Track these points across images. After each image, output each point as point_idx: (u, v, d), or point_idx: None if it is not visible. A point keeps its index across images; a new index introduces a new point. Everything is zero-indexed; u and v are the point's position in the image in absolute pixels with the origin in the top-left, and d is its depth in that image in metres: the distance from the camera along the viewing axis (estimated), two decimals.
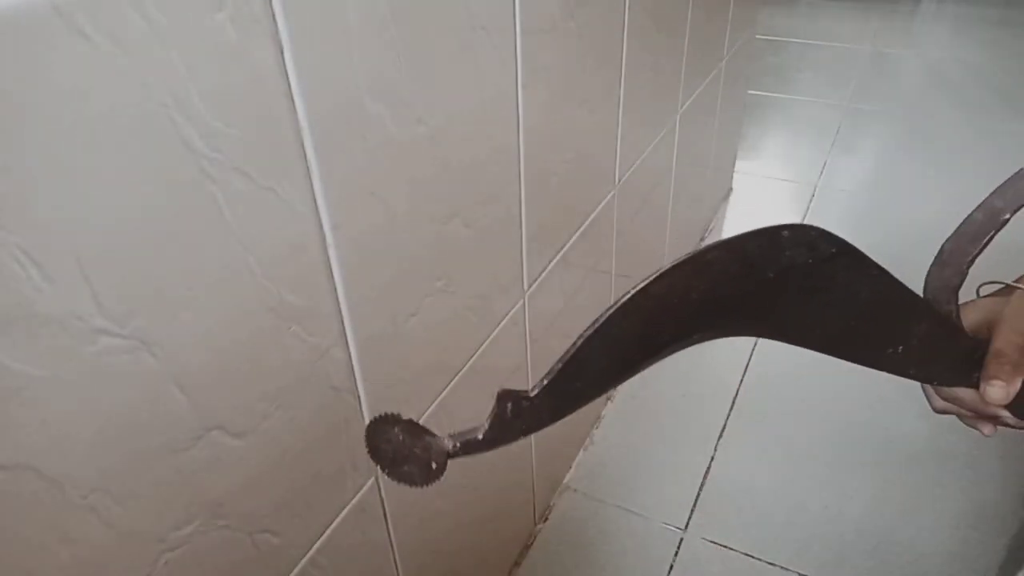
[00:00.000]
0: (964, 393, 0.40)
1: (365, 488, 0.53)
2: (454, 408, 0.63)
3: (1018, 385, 0.37)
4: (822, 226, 0.38)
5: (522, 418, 0.38)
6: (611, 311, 0.36)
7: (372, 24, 0.41)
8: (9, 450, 0.28)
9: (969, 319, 0.42)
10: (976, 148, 1.94)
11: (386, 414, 0.38)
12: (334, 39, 0.39)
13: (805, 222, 0.36)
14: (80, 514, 0.32)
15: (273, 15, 0.35)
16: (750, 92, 2.11)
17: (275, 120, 0.37)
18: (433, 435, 0.38)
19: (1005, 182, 0.43)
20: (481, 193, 0.59)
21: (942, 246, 0.44)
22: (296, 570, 0.47)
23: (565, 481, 1.03)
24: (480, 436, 0.38)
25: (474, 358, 0.65)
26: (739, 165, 1.79)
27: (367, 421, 0.36)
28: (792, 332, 0.42)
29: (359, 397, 0.49)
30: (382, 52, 0.43)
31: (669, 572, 0.92)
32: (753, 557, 0.93)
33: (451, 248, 0.56)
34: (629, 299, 0.36)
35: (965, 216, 0.43)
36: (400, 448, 0.39)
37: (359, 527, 0.53)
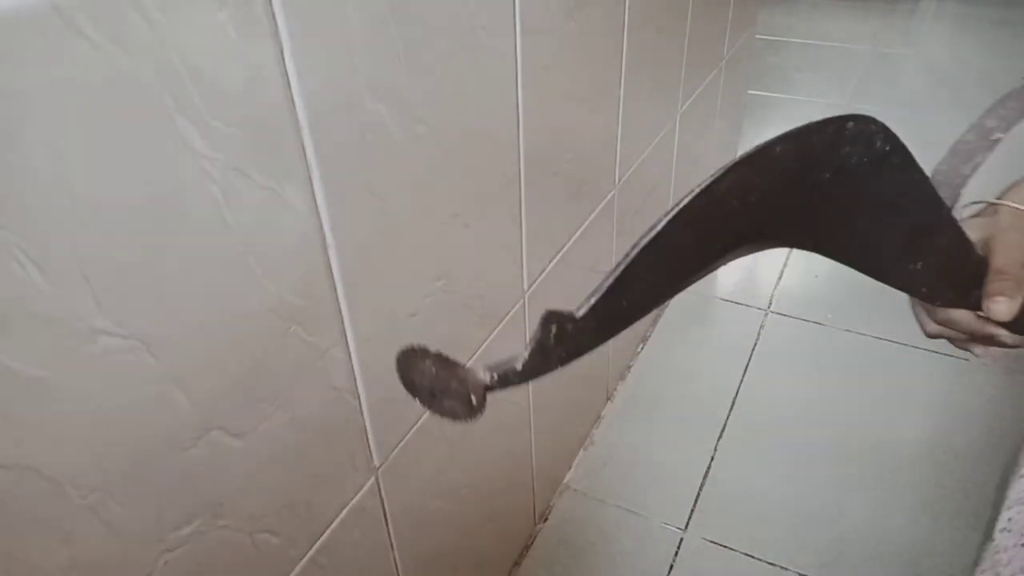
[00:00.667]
0: (960, 315, 0.40)
1: (365, 488, 0.53)
2: None
3: (1019, 301, 0.37)
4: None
5: (565, 343, 0.36)
6: (670, 216, 0.34)
7: (372, 24, 0.41)
8: (10, 450, 0.28)
9: None
10: None
11: (414, 346, 0.36)
12: (334, 39, 0.39)
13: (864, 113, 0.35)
14: (80, 514, 0.32)
15: (273, 15, 0.35)
16: (750, 92, 2.11)
17: (275, 120, 0.37)
18: (466, 367, 0.36)
19: (996, 102, 0.42)
20: (481, 193, 0.59)
21: (935, 167, 0.43)
22: (296, 570, 0.47)
23: (565, 481, 1.03)
24: (519, 366, 0.36)
25: (474, 358, 0.65)
26: None
27: (397, 353, 0.34)
28: (833, 243, 0.41)
29: (359, 397, 0.49)
30: (382, 52, 0.43)
31: (669, 572, 0.92)
32: (753, 557, 0.93)
33: (451, 248, 0.56)
34: (690, 201, 0.34)
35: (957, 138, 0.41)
36: (436, 382, 0.36)
37: (359, 527, 0.53)
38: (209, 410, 0.37)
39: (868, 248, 0.40)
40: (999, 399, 1.15)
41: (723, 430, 1.12)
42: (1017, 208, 0.39)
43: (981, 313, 0.38)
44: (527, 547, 0.94)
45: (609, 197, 0.91)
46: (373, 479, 0.53)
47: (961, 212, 0.42)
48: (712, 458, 1.07)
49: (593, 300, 0.35)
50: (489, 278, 0.64)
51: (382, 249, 0.48)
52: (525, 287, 0.72)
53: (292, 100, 0.37)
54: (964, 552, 0.93)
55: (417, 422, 0.58)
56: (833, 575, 0.91)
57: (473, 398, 0.36)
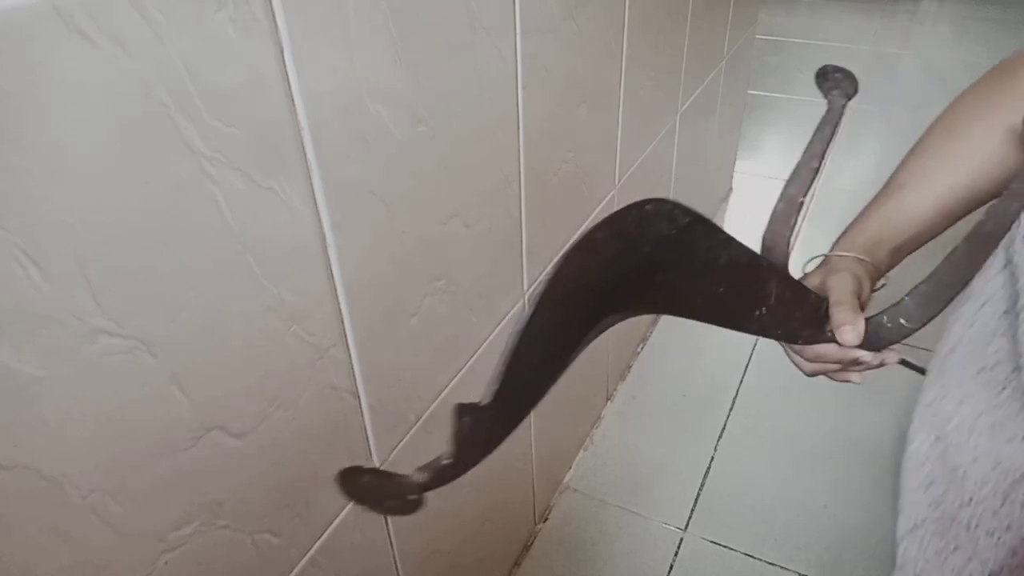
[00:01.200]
0: (824, 348, 0.45)
1: None
2: None
3: (863, 324, 0.42)
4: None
5: (482, 431, 0.39)
6: (533, 307, 0.38)
7: (372, 24, 0.41)
8: (9, 450, 0.28)
9: (808, 284, 0.48)
10: None
11: (348, 468, 0.39)
12: (334, 39, 0.39)
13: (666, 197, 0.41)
14: (80, 514, 0.32)
15: (273, 15, 0.35)
16: (750, 92, 2.11)
17: (275, 120, 0.37)
18: (401, 475, 0.39)
19: (794, 170, 0.50)
20: (481, 193, 0.59)
21: (763, 236, 0.50)
22: (296, 570, 0.47)
23: (565, 481, 1.03)
24: (448, 461, 0.39)
25: (474, 358, 0.65)
26: (739, 165, 1.79)
27: (336, 474, 0.37)
28: (679, 306, 0.46)
29: (359, 397, 0.49)
30: (382, 52, 0.43)
31: (669, 572, 0.92)
32: (753, 557, 0.93)
33: (451, 248, 0.56)
34: (543, 290, 0.38)
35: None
36: (376, 492, 0.40)
37: (359, 527, 0.53)
38: (209, 410, 0.37)
39: (711, 304, 0.46)
40: None
41: (723, 430, 1.12)
42: (842, 255, 0.49)
43: (839, 343, 0.43)
44: (527, 547, 0.94)
45: (609, 197, 0.91)
46: None
47: (806, 269, 0.50)
48: (712, 458, 1.07)
49: (493, 388, 0.38)
50: (489, 278, 0.64)
51: (382, 249, 0.48)
52: (525, 287, 0.72)
53: (292, 100, 0.37)
54: None
55: (417, 422, 0.58)
56: (833, 575, 0.91)
57: (412, 497, 0.40)
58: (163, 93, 0.30)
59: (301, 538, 0.47)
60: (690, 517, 0.98)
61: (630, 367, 1.23)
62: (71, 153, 0.28)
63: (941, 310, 0.43)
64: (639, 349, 1.27)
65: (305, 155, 0.39)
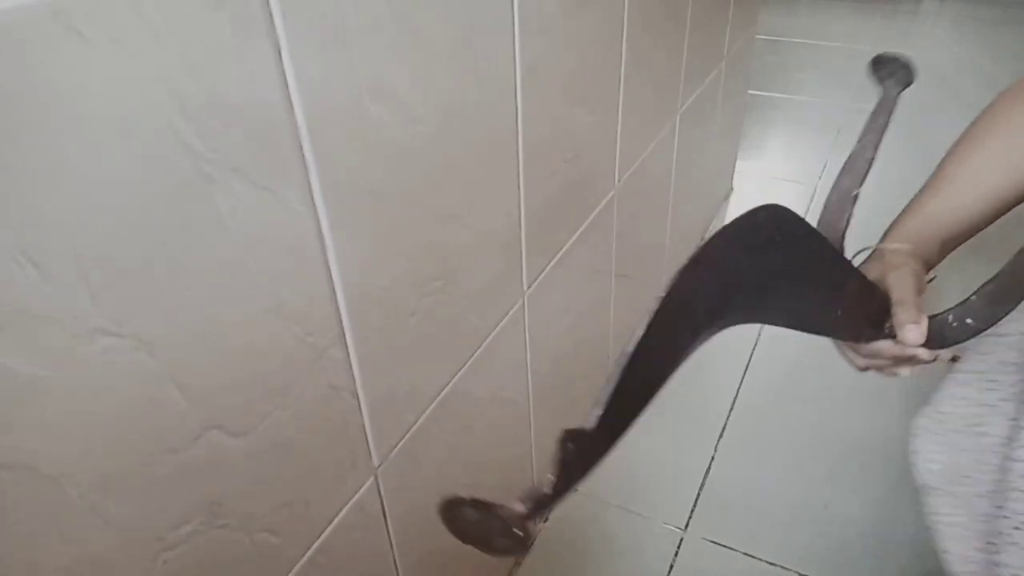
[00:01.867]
0: (882, 345, 0.44)
1: (364, 487, 0.53)
2: (454, 408, 0.63)
3: (926, 323, 0.41)
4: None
5: (584, 456, 0.39)
6: (644, 328, 0.38)
7: (371, 24, 0.41)
8: (9, 450, 0.28)
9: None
10: None
11: (452, 497, 0.39)
12: (332, 39, 0.39)
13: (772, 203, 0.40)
14: (80, 513, 0.32)
15: (271, 15, 0.35)
16: (750, 92, 2.11)
17: (273, 120, 0.37)
18: (502, 506, 0.38)
19: (847, 161, 0.50)
20: (480, 193, 0.59)
21: (818, 222, 0.48)
22: (295, 569, 0.47)
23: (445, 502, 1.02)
24: (548, 490, 0.38)
25: (474, 358, 0.65)
26: (740, 165, 1.79)
27: (439, 504, 0.37)
28: (770, 314, 0.45)
29: (358, 396, 0.49)
30: (381, 52, 0.43)
31: (669, 572, 0.92)
32: (753, 557, 0.93)
33: (451, 248, 0.56)
34: (655, 313, 0.38)
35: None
36: (481, 527, 0.39)
37: (358, 526, 0.53)
38: (207, 409, 0.37)
39: (799, 311, 0.45)
40: None
41: (723, 430, 1.12)
42: (896, 247, 0.47)
43: (898, 341, 0.42)
44: (527, 547, 0.94)
45: (609, 197, 0.91)
46: (372, 478, 0.53)
47: (853, 260, 0.48)
48: (712, 458, 1.07)
49: (597, 412, 0.38)
50: (488, 278, 0.64)
51: (381, 249, 0.48)
52: (525, 287, 0.72)
53: (290, 100, 0.37)
54: None
55: (416, 422, 0.58)
56: (833, 575, 0.91)
57: (518, 531, 0.39)
58: (161, 93, 0.30)
59: (300, 538, 0.47)
60: (690, 517, 0.98)
61: None
62: (69, 153, 0.28)
63: (1010, 310, 0.42)
64: None
65: (303, 155, 0.39)
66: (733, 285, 0.42)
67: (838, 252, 0.44)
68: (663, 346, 0.41)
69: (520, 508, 0.38)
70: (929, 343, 0.42)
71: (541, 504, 0.38)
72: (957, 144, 0.50)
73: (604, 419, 0.39)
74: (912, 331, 0.41)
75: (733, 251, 0.41)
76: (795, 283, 0.44)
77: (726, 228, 0.39)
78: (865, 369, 0.47)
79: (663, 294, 0.38)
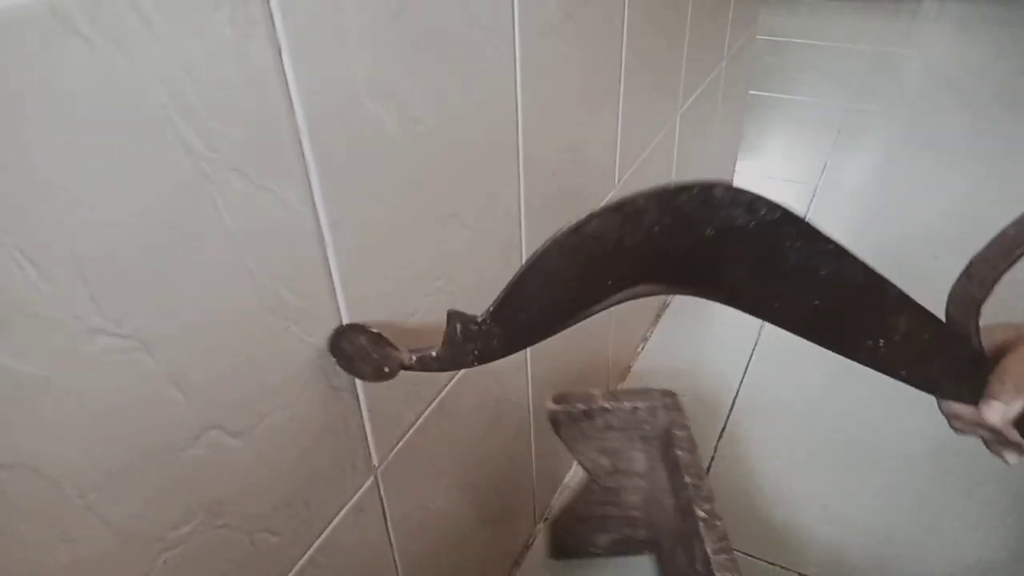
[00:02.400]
0: (964, 410, 0.39)
1: (364, 487, 0.53)
2: (453, 407, 0.63)
3: (1017, 409, 0.36)
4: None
5: (474, 342, 0.40)
6: (546, 245, 0.37)
7: (371, 24, 0.41)
8: (8, 450, 0.28)
9: (993, 338, 0.41)
10: (977, 148, 1.94)
11: (356, 323, 0.42)
12: (332, 39, 0.39)
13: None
14: (79, 513, 0.32)
15: (271, 15, 0.35)
16: (751, 92, 2.11)
17: (273, 120, 0.37)
18: (395, 347, 0.42)
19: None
20: (481, 193, 0.59)
21: (971, 259, 0.42)
22: (295, 569, 0.47)
23: (565, 481, 1.03)
24: (434, 353, 0.41)
25: None
26: (740, 165, 1.79)
27: (336, 327, 0.42)
28: (747, 301, 0.41)
29: (358, 396, 0.49)
30: (381, 52, 0.43)
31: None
32: (753, 557, 0.93)
33: (451, 248, 0.56)
34: (562, 235, 0.37)
35: (999, 231, 0.43)
36: (360, 351, 0.42)
37: (358, 526, 0.53)
38: (207, 409, 0.37)
39: (796, 314, 0.41)
40: None
41: (723, 430, 1.12)
42: None
43: (978, 410, 0.37)
44: (527, 547, 0.94)
45: (609, 197, 0.91)
46: (372, 478, 0.53)
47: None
48: (712, 458, 1.07)
49: (491, 308, 0.39)
50: (489, 278, 0.64)
51: (381, 249, 0.48)
52: None
53: (290, 100, 0.37)
54: (966, 552, 0.93)
55: (416, 421, 0.58)
56: (833, 575, 0.91)
57: (387, 368, 0.43)
58: (161, 93, 0.30)
59: (300, 537, 0.47)
60: None
61: (630, 367, 1.23)
62: (68, 153, 0.28)
63: None
64: (639, 349, 1.27)
65: (303, 155, 0.39)
66: (669, 250, 0.38)
67: (872, 272, 0.39)
68: (571, 275, 0.39)
69: (405, 356, 0.42)
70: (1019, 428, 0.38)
71: (425, 363, 0.41)
72: None
73: (495, 315, 0.39)
74: (994, 408, 0.36)
75: (666, 216, 0.37)
76: (782, 282, 0.40)
77: (660, 189, 0.36)
78: (962, 433, 0.42)
79: (571, 225, 0.36)
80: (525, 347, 0.41)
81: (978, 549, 0.93)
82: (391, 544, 0.58)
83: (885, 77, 2.49)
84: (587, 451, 0.81)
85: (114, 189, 0.30)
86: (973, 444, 1.10)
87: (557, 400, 0.77)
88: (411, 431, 0.57)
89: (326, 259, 0.43)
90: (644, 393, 0.79)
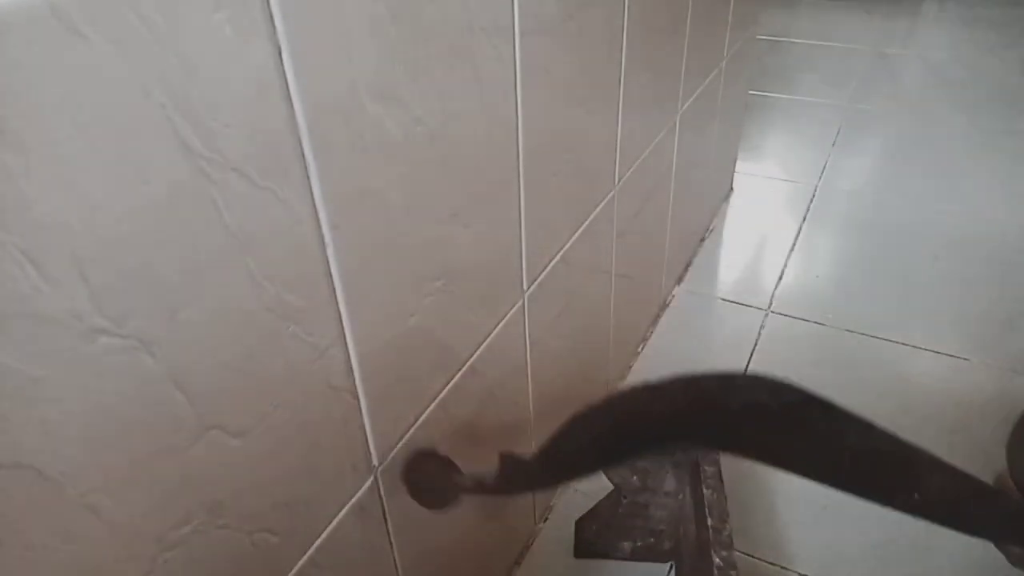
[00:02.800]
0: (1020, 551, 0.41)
1: (364, 487, 0.53)
2: (453, 408, 0.63)
3: None
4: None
5: (523, 476, 0.47)
6: (585, 408, 0.42)
7: (370, 25, 0.41)
8: (9, 449, 0.28)
9: None
10: (977, 149, 1.94)
11: (427, 448, 0.49)
12: (332, 40, 0.39)
13: (774, 375, 0.40)
14: (79, 513, 0.32)
15: (271, 16, 0.35)
16: (750, 92, 2.11)
17: (273, 121, 0.37)
18: (459, 471, 0.49)
19: None
20: (481, 193, 0.59)
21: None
22: (295, 569, 0.47)
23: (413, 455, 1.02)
24: (489, 482, 0.48)
25: (473, 358, 0.65)
26: (740, 165, 1.79)
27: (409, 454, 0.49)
28: (779, 461, 0.45)
29: (358, 396, 0.49)
30: (380, 53, 0.43)
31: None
32: (753, 557, 0.93)
33: (451, 248, 0.56)
34: (599, 403, 0.42)
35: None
36: (427, 479, 0.49)
37: (358, 526, 0.53)
38: (208, 409, 0.37)
39: (826, 472, 0.45)
40: (1000, 399, 1.15)
41: None
42: None
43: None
44: (527, 547, 0.94)
45: (609, 197, 0.91)
46: (372, 478, 0.53)
47: None
48: None
49: (538, 451, 0.44)
50: (488, 278, 0.64)
51: (381, 249, 0.48)
52: (525, 287, 0.72)
53: (290, 100, 0.37)
54: (965, 552, 0.93)
55: (416, 421, 0.58)
56: (833, 575, 0.91)
57: (449, 496, 0.51)
58: (161, 93, 0.30)
59: (300, 537, 0.47)
60: None
61: (630, 367, 1.23)
62: (69, 153, 0.28)
63: None
64: (639, 349, 1.27)
65: (303, 155, 0.39)
66: (698, 421, 0.43)
67: (904, 444, 0.43)
68: (607, 433, 0.44)
69: (464, 481, 0.49)
70: None
71: (481, 488, 0.48)
72: None
73: (540, 459, 0.44)
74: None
75: (692, 393, 0.42)
76: (812, 449, 0.44)
77: (688, 375, 0.41)
78: (1015, 566, 0.44)
79: (610, 396, 0.41)
80: (568, 483, 0.50)
81: (978, 549, 0.93)
82: (391, 544, 0.58)
83: (885, 77, 2.49)
84: (616, 468, 0.82)
85: (114, 189, 0.30)
86: (972, 445, 1.09)
87: None
88: (411, 431, 0.57)
89: (326, 259, 0.43)
90: None
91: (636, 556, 0.91)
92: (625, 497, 0.86)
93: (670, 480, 0.83)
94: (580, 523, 0.91)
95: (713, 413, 0.43)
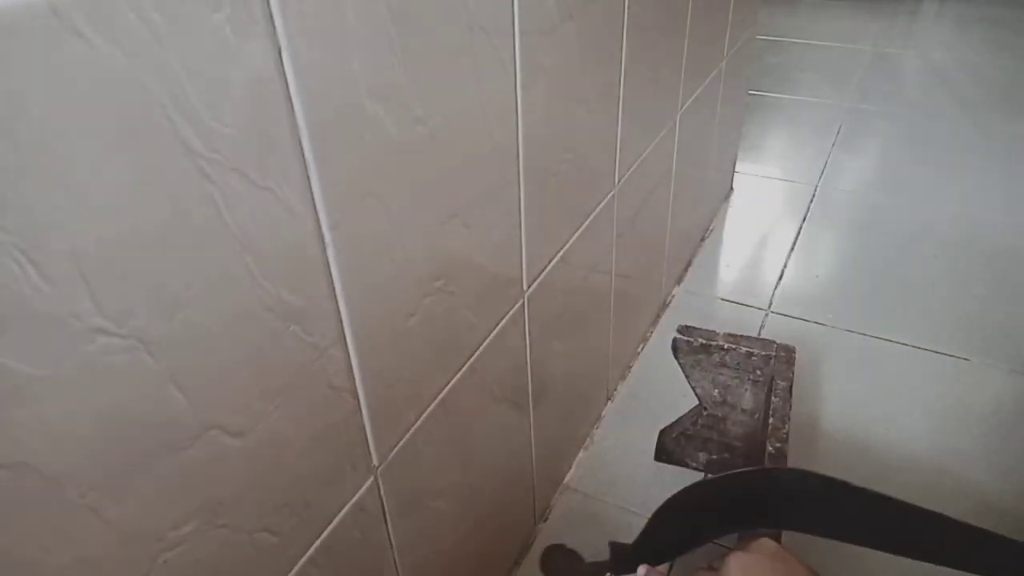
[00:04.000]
0: None
1: (364, 487, 0.53)
2: (453, 408, 0.63)
3: None
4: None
5: (623, 560, 0.62)
6: (665, 502, 0.59)
7: (370, 24, 0.41)
8: (8, 449, 0.28)
9: None
10: (977, 149, 1.94)
11: (559, 543, 0.67)
12: (332, 40, 0.39)
13: (800, 467, 0.55)
14: (79, 513, 0.32)
15: (271, 16, 0.35)
16: (750, 92, 2.11)
17: (273, 121, 0.37)
18: (582, 558, 0.66)
19: None
20: (481, 193, 0.59)
21: None
22: (295, 569, 0.47)
23: (565, 481, 1.03)
24: (605, 566, 0.63)
25: (473, 358, 0.65)
26: (739, 165, 1.79)
27: (544, 548, 0.69)
28: (820, 531, 0.59)
29: (358, 396, 0.49)
30: (381, 53, 0.43)
31: (669, 571, 0.92)
32: None
33: (451, 248, 0.56)
34: (677, 499, 0.58)
35: None
36: (558, 569, 0.66)
37: (358, 526, 0.53)
38: (207, 409, 0.37)
39: (859, 535, 0.58)
40: (1000, 399, 1.15)
41: None
42: None
43: None
44: (527, 547, 0.94)
45: (609, 197, 0.91)
46: (372, 478, 0.53)
47: None
48: None
49: (636, 541, 0.61)
50: (488, 278, 0.64)
51: (381, 249, 0.48)
52: (525, 287, 0.72)
53: (290, 100, 0.37)
54: None
55: (416, 422, 0.58)
56: (832, 575, 0.91)
57: None
58: (161, 93, 0.30)
59: (300, 537, 0.47)
60: None
61: (630, 367, 1.23)
62: (68, 153, 0.28)
63: None
64: (639, 349, 1.27)
65: (303, 155, 0.39)
66: (748, 507, 0.58)
67: (921, 509, 0.53)
68: (682, 521, 0.60)
69: (588, 569, 0.64)
70: None
71: (600, 571, 0.63)
72: None
73: (636, 548, 0.60)
74: None
75: (739, 488, 0.57)
76: (847, 522, 0.58)
77: (734, 472, 0.56)
78: None
79: (679, 493, 0.57)
80: (667, 561, 0.63)
81: None
82: (391, 544, 0.58)
83: (885, 77, 2.49)
84: (701, 380, 0.91)
85: (114, 189, 0.30)
86: (971, 446, 1.09)
87: (681, 331, 0.89)
88: (411, 431, 0.57)
89: (326, 259, 0.43)
90: (764, 343, 0.88)
91: (710, 468, 0.98)
92: (706, 409, 0.92)
93: (748, 399, 0.89)
94: (663, 432, 0.98)
95: (762, 503, 0.57)
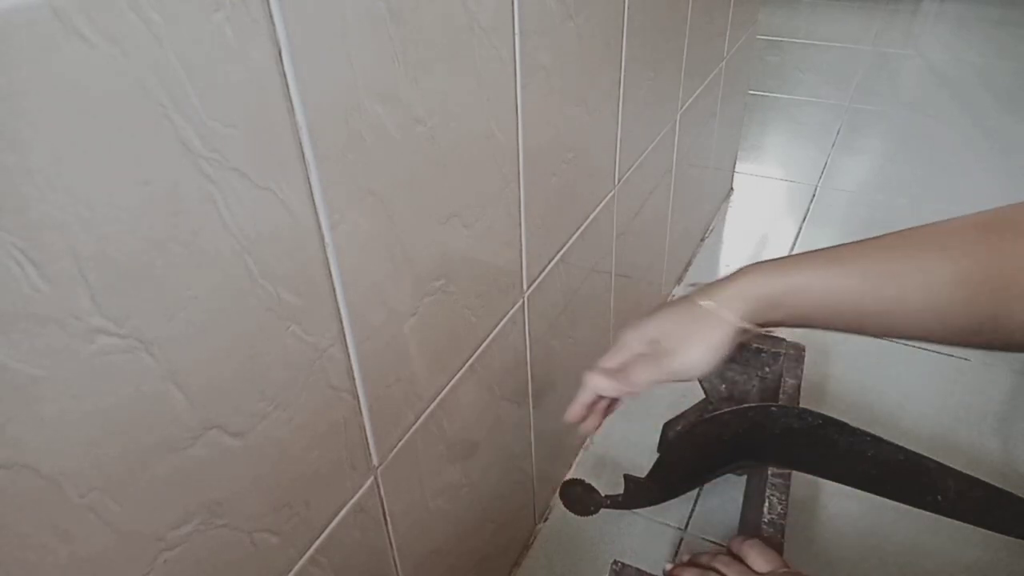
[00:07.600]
0: None
1: (364, 487, 0.53)
2: (453, 408, 0.63)
3: None
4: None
5: (642, 492, 0.68)
6: (671, 438, 0.70)
7: (370, 24, 0.41)
8: (8, 449, 0.28)
9: None
10: (977, 149, 1.94)
11: (576, 478, 0.74)
12: (332, 39, 0.39)
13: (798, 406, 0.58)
14: (79, 513, 0.32)
15: (271, 16, 0.35)
16: (750, 92, 2.11)
17: (273, 120, 0.37)
18: (597, 491, 0.72)
19: None
20: (481, 193, 0.59)
21: None
22: (295, 569, 0.47)
23: (565, 481, 1.03)
24: (619, 498, 0.70)
25: (473, 358, 0.65)
26: (739, 165, 1.79)
27: (563, 482, 0.76)
28: (820, 472, 0.61)
29: (358, 396, 0.49)
30: (380, 52, 0.43)
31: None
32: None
33: (451, 248, 0.56)
34: (677, 435, 0.69)
35: None
36: (577, 499, 0.73)
37: (358, 526, 0.53)
38: (207, 409, 0.37)
39: (860, 479, 0.59)
40: (1000, 399, 1.15)
41: None
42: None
43: None
44: (527, 547, 0.94)
45: (609, 197, 0.91)
46: (372, 478, 0.53)
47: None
48: None
49: (647, 474, 0.67)
50: (488, 278, 0.64)
51: (381, 249, 0.48)
52: (525, 287, 0.72)
53: (290, 100, 0.37)
54: (964, 552, 0.93)
55: (416, 422, 0.58)
56: (832, 574, 0.91)
57: (592, 507, 0.73)
58: (161, 93, 0.30)
59: (300, 537, 0.47)
60: (690, 517, 0.98)
61: None
62: (68, 153, 0.28)
63: None
64: None
65: (303, 155, 0.39)
66: (752, 443, 0.60)
67: (912, 453, 0.57)
68: (691, 456, 0.64)
69: (602, 500, 0.70)
70: None
71: (614, 504, 0.70)
72: (878, 240, 0.46)
73: (650, 478, 0.65)
74: None
75: (741, 422, 0.58)
76: (843, 463, 0.59)
77: (735, 408, 0.57)
78: None
79: (684, 428, 0.63)
80: (676, 497, 0.69)
81: (978, 548, 0.93)
82: (391, 544, 0.58)
83: (885, 77, 2.49)
84: (709, 374, 0.91)
85: (114, 189, 0.30)
86: (971, 446, 1.09)
87: None
88: (411, 431, 0.57)
89: (326, 259, 0.43)
90: (774, 340, 0.89)
91: None
92: (711, 404, 0.92)
93: (754, 395, 0.90)
94: (667, 424, 0.97)
95: (764, 437, 0.59)
